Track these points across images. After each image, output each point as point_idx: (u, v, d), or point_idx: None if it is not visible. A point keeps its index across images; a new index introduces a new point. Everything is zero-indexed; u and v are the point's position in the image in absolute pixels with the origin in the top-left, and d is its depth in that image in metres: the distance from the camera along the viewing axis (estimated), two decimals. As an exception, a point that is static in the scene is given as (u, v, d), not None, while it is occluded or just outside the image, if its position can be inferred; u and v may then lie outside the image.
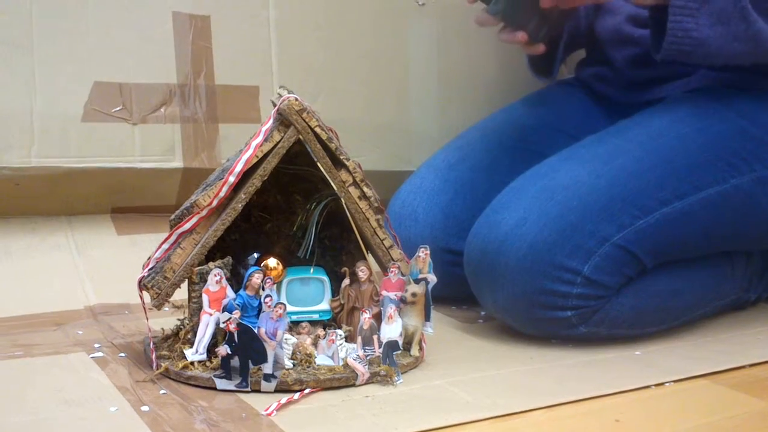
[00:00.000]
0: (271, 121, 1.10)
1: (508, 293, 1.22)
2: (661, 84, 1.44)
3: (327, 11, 1.66)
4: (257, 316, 1.02)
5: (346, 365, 1.06)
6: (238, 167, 1.07)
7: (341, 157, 1.10)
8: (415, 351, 1.13)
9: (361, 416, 0.96)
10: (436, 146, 1.60)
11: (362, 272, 1.14)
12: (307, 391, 1.02)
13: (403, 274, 1.12)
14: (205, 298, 1.05)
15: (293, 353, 1.08)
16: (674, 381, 1.10)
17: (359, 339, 1.09)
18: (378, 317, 1.11)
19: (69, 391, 1.02)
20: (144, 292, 1.09)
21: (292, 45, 1.63)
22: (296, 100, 1.07)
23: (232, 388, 1.01)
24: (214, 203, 1.08)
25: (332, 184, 1.10)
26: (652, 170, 1.26)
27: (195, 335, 1.06)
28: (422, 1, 1.72)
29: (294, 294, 1.14)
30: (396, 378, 1.06)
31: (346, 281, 1.15)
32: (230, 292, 1.05)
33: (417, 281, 1.11)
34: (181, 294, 1.11)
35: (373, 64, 1.72)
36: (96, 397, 1.00)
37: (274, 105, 1.10)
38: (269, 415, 0.95)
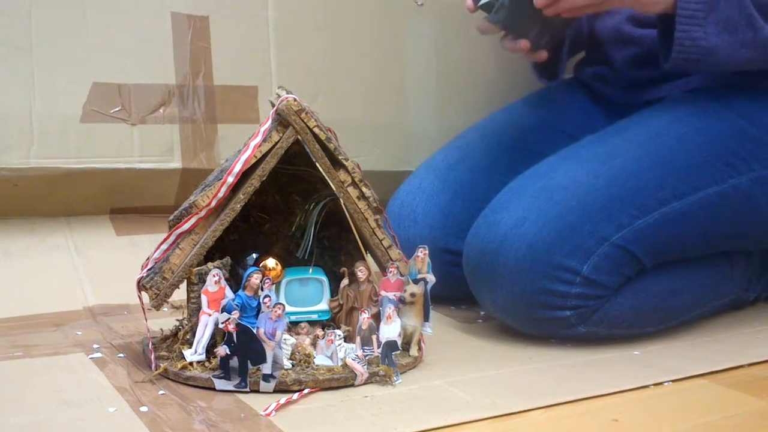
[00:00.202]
0: (269, 121, 1.10)
1: (507, 293, 1.22)
2: (660, 84, 1.44)
3: (326, 12, 1.66)
4: (256, 316, 1.02)
5: (344, 365, 1.06)
6: (237, 168, 1.07)
7: (340, 158, 1.10)
8: (414, 351, 1.13)
9: (360, 416, 0.96)
10: (435, 146, 1.60)
11: (361, 272, 1.14)
12: (306, 391, 1.02)
13: (401, 275, 1.12)
14: (203, 298, 1.05)
15: (292, 353, 1.08)
16: (673, 381, 1.10)
17: (358, 339, 1.09)
18: (377, 317, 1.11)
19: (68, 391, 1.02)
20: (143, 293, 1.09)
21: (290, 45, 1.63)
22: (295, 100, 1.07)
23: (231, 388, 1.01)
24: (213, 204, 1.08)
25: (331, 184, 1.10)
26: (651, 170, 1.26)
27: (194, 336, 1.06)
28: (421, 1, 1.73)
29: (293, 294, 1.14)
30: (395, 378, 1.06)
31: (345, 281, 1.15)
32: (229, 293, 1.05)
33: (416, 281, 1.11)
34: (179, 294, 1.11)
35: (372, 65, 1.72)
36: (95, 398, 1.00)
37: (273, 105, 1.10)
38: (268, 415, 0.95)
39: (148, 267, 1.10)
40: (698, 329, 1.34)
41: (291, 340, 1.08)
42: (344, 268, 1.16)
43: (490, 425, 0.96)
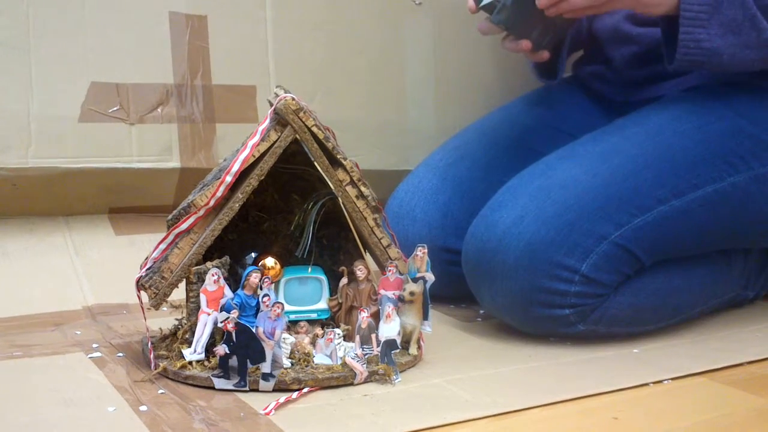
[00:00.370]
0: (268, 120, 1.10)
1: (506, 292, 1.22)
2: (658, 82, 1.44)
3: (324, 11, 1.66)
4: (255, 315, 1.02)
5: (344, 364, 1.06)
6: (235, 167, 1.07)
7: (338, 157, 1.10)
8: (413, 350, 1.13)
9: (360, 415, 0.96)
10: (433, 145, 1.60)
11: (360, 271, 1.14)
12: (305, 390, 1.02)
13: (400, 273, 1.12)
14: (203, 297, 1.05)
15: (291, 352, 1.08)
16: (672, 379, 1.10)
17: (357, 338, 1.09)
18: (376, 316, 1.11)
19: (67, 391, 1.02)
20: (142, 292, 1.09)
21: (289, 44, 1.63)
22: (293, 99, 1.07)
23: (231, 387, 1.01)
24: (212, 203, 1.08)
25: (329, 183, 1.10)
26: (650, 168, 1.26)
27: (193, 335, 1.06)
28: (419, 0, 1.72)
29: (292, 293, 1.14)
30: (394, 377, 1.06)
31: (344, 280, 1.15)
32: (228, 292, 1.05)
33: (415, 280, 1.11)
34: (179, 294, 1.11)
35: (371, 64, 1.72)
36: (94, 397, 1.00)
37: (271, 104, 1.10)
38: (267, 414, 0.95)
39: (147, 266, 1.10)
40: (697, 327, 1.34)
41: (290, 339, 1.08)
42: (343, 267, 1.16)
43: (489, 424, 0.96)
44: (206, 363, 1.05)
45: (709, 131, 1.30)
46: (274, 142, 1.08)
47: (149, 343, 1.10)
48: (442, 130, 1.73)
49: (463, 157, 1.49)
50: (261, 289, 1.05)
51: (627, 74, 1.49)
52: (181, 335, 1.10)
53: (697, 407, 1.02)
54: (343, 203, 1.12)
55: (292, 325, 1.12)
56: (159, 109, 1.54)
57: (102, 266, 1.48)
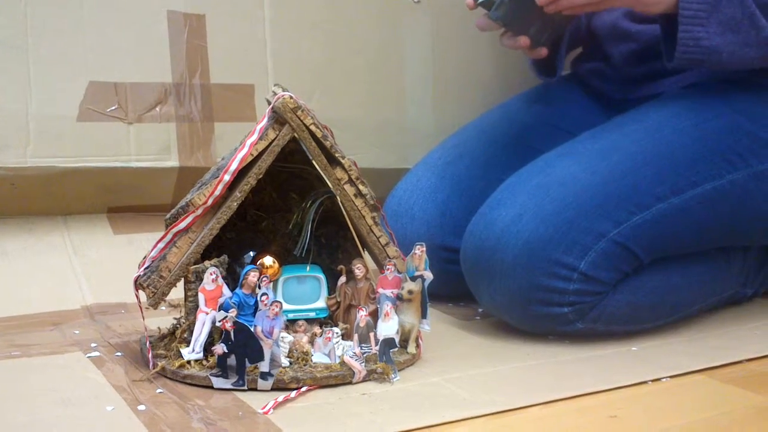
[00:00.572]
0: (266, 119, 1.10)
1: (504, 290, 1.22)
2: (657, 79, 1.44)
3: (322, 9, 1.66)
4: (253, 314, 1.02)
5: (342, 363, 1.06)
6: (233, 166, 1.07)
7: (336, 155, 1.10)
8: (411, 348, 1.13)
9: (358, 414, 0.96)
10: (432, 144, 1.60)
11: (358, 270, 1.14)
12: (303, 389, 1.02)
13: (399, 272, 1.12)
14: (201, 296, 1.05)
15: (290, 351, 1.08)
16: (671, 377, 1.10)
17: (356, 337, 1.09)
18: (374, 315, 1.11)
19: (66, 390, 1.02)
20: (140, 291, 1.09)
21: (287, 43, 1.63)
22: (291, 98, 1.07)
23: (229, 386, 1.01)
24: (210, 202, 1.08)
25: (328, 182, 1.10)
26: (648, 166, 1.26)
27: (191, 334, 1.06)
28: (417, -2, 1.73)
29: (290, 292, 1.14)
30: (393, 375, 1.06)
31: (343, 279, 1.15)
32: (226, 291, 1.05)
33: (413, 278, 1.11)
34: (177, 293, 1.11)
35: (369, 62, 1.72)
36: (93, 397, 1.00)
37: (269, 103, 1.10)
38: (266, 413, 0.95)
39: (146, 265, 1.10)
40: (696, 325, 1.34)
41: (288, 337, 1.08)
42: (342, 266, 1.16)
43: (487, 422, 0.96)
44: (204, 362, 1.05)
45: (708, 128, 1.30)
46: (273, 141, 1.08)
47: (147, 343, 1.10)
48: (440, 129, 1.73)
49: (461, 156, 1.49)
50: (259, 287, 1.05)
51: (626, 71, 1.49)
52: (179, 334, 1.10)
53: (696, 405, 1.02)
54: (341, 202, 1.12)
55: (291, 324, 1.12)
56: (157, 108, 1.53)
57: (100, 265, 1.48)
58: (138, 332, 1.23)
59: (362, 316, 1.09)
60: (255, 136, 1.08)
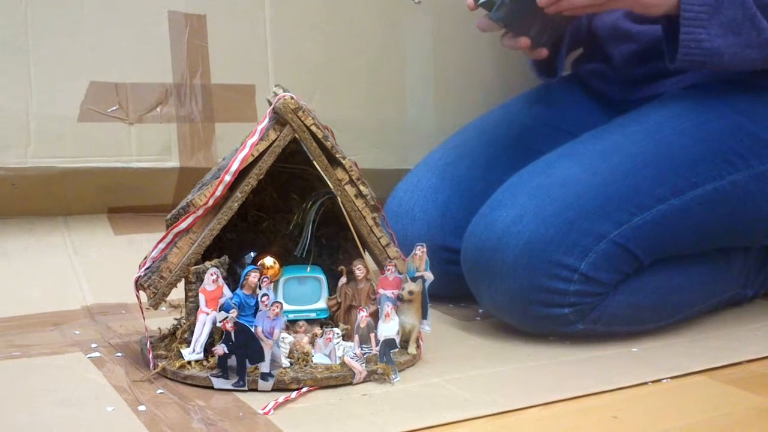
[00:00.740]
0: (266, 119, 1.10)
1: (505, 291, 1.22)
2: (658, 80, 1.44)
3: (323, 10, 1.66)
4: (254, 315, 1.02)
5: (343, 364, 1.06)
6: (234, 166, 1.07)
7: (337, 156, 1.10)
8: (412, 349, 1.13)
9: (359, 415, 0.96)
10: (432, 144, 1.60)
11: (359, 270, 1.14)
12: (304, 389, 1.02)
13: (399, 273, 1.12)
14: (201, 297, 1.05)
15: (290, 352, 1.08)
16: (671, 377, 1.10)
17: (356, 337, 1.09)
18: (375, 315, 1.11)
19: (66, 391, 1.02)
20: (141, 292, 1.09)
21: (288, 44, 1.63)
22: (292, 98, 1.07)
23: (229, 387, 1.01)
24: (211, 202, 1.08)
25: (328, 182, 1.10)
26: (649, 167, 1.26)
27: (192, 334, 1.06)
28: (418, -1, 1.73)
29: (291, 293, 1.14)
30: (393, 376, 1.06)
31: (343, 279, 1.15)
32: (227, 291, 1.05)
33: (414, 279, 1.11)
34: (177, 293, 1.11)
35: (370, 63, 1.72)
36: (93, 397, 1.00)
37: (270, 104, 1.10)
38: (266, 414, 0.95)
39: (146, 266, 1.09)
40: (696, 326, 1.33)
41: (289, 338, 1.08)
42: (342, 267, 1.16)
43: (488, 423, 0.96)
44: (205, 363, 1.05)
45: (709, 129, 1.30)
46: (273, 142, 1.08)
47: (148, 343, 1.10)
48: (441, 129, 1.73)
49: (462, 156, 1.49)
50: (260, 288, 1.05)
51: (626, 72, 1.49)
52: (179, 335, 1.10)
53: (697, 406, 1.02)
54: (342, 202, 1.12)
55: (291, 325, 1.12)
56: (158, 109, 1.53)
57: (101, 266, 1.48)
58: (138, 333, 1.23)
59: (363, 316, 1.09)
60: (256, 137, 1.08)
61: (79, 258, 1.49)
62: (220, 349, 1.00)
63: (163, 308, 1.32)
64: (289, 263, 1.18)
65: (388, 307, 1.08)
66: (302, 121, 1.08)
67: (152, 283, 1.07)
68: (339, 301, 1.15)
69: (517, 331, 1.26)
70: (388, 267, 1.12)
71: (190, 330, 1.07)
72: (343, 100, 1.68)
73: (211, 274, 1.05)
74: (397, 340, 1.09)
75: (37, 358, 1.14)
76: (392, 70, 1.74)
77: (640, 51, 1.45)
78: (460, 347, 1.23)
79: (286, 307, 1.08)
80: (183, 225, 1.08)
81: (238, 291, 1.05)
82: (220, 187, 1.07)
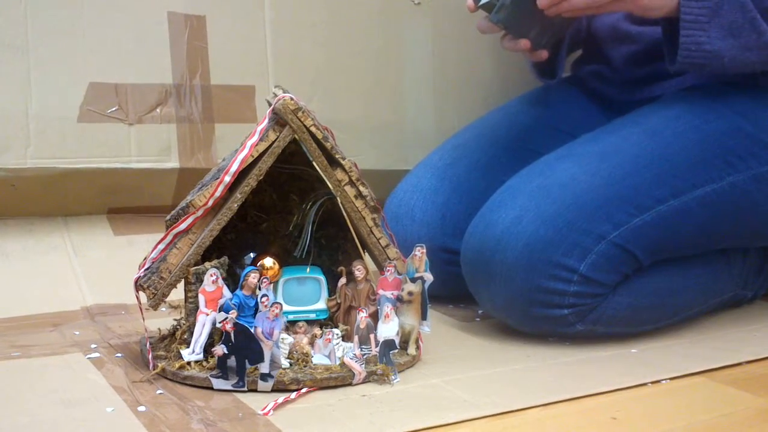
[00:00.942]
0: (266, 120, 1.10)
1: (504, 292, 1.22)
2: (657, 81, 1.44)
3: (323, 11, 1.66)
4: (254, 315, 1.02)
5: (342, 364, 1.06)
6: (234, 167, 1.07)
7: (337, 157, 1.10)
8: (412, 350, 1.13)
9: (358, 415, 0.96)
10: (432, 145, 1.60)
11: (359, 271, 1.14)
12: (303, 390, 1.02)
13: (399, 273, 1.12)
14: (201, 298, 1.05)
15: (290, 353, 1.08)
16: (671, 378, 1.10)
17: (356, 338, 1.09)
18: (375, 316, 1.11)
19: (66, 391, 1.02)
20: (140, 293, 1.09)
21: (287, 45, 1.63)
22: (291, 99, 1.07)
23: (229, 387, 1.01)
24: (210, 203, 1.08)
25: (328, 183, 1.10)
26: (648, 168, 1.26)
27: (191, 335, 1.06)
28: (418, 0, 1.73)
29: (290, 293, 1.14)
30: (393, 377, 1.06)
31: (343, 280, 1.15)
32: (227, 292, 1.05)
33: (413, 280, 1.11)
34: (177, 294, 1.11)
35: (369, 64, 1.72)
36: (93, 398, 1.00)
37: (270, 104, 1.10)
38: (266, 414, 0.95)
39: (146, 267, 1.09)
40: (696, 327, 1.34)
41: (289, 339, 1.08)
42: (342, 267, 1.16)
43: (488, 423, 0.96)
44: (205, 363, 1.05)
45: (708, 131, 1.30)
46: (273, 142, 1.08)
47: (148, 344, 1.10)
48: (440, 130, 1.73)
49: (461, 157, 1.49)
50: (259, 289, 1.05)
51: (626, 73, 1.49)
52: (179, 335, 1.10)
53: (696, 407, 1.02)
54: (341, 203, 1.12)
55: (291, 326, 1.12)
56: (158, 110, 1.54)
57: (101, 267, 1.48)
58: (138, 333, 1.23)
59: (362, 317, 1.09)
60: (255, 138, 1.08)
61: (79, 258, 1.49)
62: (220, 349, 1.00)
63: (163, 309, 1.32)
64: (289, 264, 1.18)
65: (387, 308, 1.08)
66: (302, 122, 1.08)
67: (152, 283, 1.07)
68: (338, 301, 1.15)
69: (516, 332, 1.26)
70: (388, 268, 1.12)
71: (190, 331, 1.07)
72: (342, 101, 1.68)
73: (211, 275, 1.05)
74: (397, 341, 1.09)
75: (37, 359, 1.14)
76: (392, 71, 1.74)
77: (640, 52, 1.45)
78: (459, 348, 1.23)
79: (285, 307, 1.08)
80: (182, 226, 1.08)
81: (237, 292, 1.05)
82: (220, 188, 1.07)
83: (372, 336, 1.09)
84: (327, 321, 1.16)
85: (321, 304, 1.15)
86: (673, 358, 1.19)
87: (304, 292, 1.15)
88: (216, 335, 1.05)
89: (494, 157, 1.49)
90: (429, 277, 1.11)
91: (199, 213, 1.08)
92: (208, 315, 1.04)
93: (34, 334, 1.25)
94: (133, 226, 1.56)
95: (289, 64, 1.63)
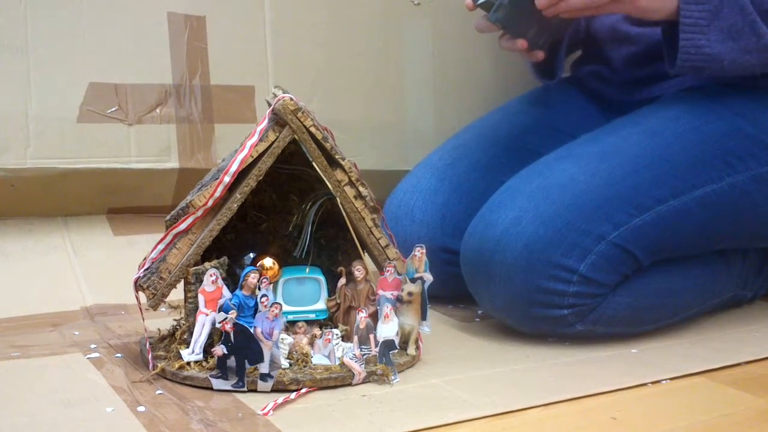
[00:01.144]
0: (266, 121, 1.10)
1: (504, 292, 1.22)
2: (657, 82, 1.44)
3: (322, 11, 1.66)
4: (253, 316, 1.02)
5: (342, 365, 1.06)
6: (234, 167, 1.07)
7: (336, 157, 1.10)
8: (411, 350, 1.13)
9: (358, 416, 0.96)
10: (432, 145, 1.60)
11: (358, 271, 1.14)
12: (303, 390, 1.02)
13: (399, 274, 1.12)
14: (201, 298, 1.05)
15: (289, 353, 1.08)
16: (670, 379, 1.10)
17: (355, 338, 1.09)
18: (374, 316, 1.11)
19: (65, 391, 1.02)
20: (140, 293, 1.09)
21: (287, 45, 1.63)
22: (291, 99, 1.07)
23: (229, 388, 1.01)
24: (210, 203, 1.08)
25: (328, 183, 1.10)
26: (648, 168, 1.26)
27: (191, 335, 1.06)
28: (418, 0, 1.73)
29: (290, 294, 1.14)
30: (392, 377, 1.06)
31: (342, 280, 1.15)
32: (226, 292, 1.05)
33: (413, 280, 1.11)
34: (177, 294, 1.11)
35: (369, 64, 1.72)
36: (92, 398, 1.00)
37: (269, 105, 1.10)
38: (265, 414, 0.95)
39: (145, 267, 1.09)
40: (696, 327, 1.34)
41: (288, 339, 1.08)
42: (341, 268, 1.16)
43: (488, 424, 0.96)
44: (204, 363, 1.05)
45: (708, 131, 1.30)
46: (273, 143, 1.08)
47: (147, 344, 1.10)
48: (440, 131, 1.73)
49: (461, 157, 1.49)
50: (259, 289, 1.05)
51: (626, 74, 1.49)
52: (179, 336, 1.10)
53: (696, 407, 1.02)
54: (341, 203, 1.12)
55: (291, 326, 1.12)
56: (157, 110, 1.54)
57: (100, 267, 1.48)
58: (138, 333, 1.23)
59: (362, 317, 1.09)
60: (255, 138, 1.08)
61: (79, 259, 1.49)
62: (220, 350, 1.00)
63: (163, 309, 1.32)
64: (289, 264, 1.18)
65: (387, 308, 1.08)
66: (301, 122, 1.08)
67: (151, 284, 1.07)
68: (338, 302, 1.15)
69: (516, 332, 1.26)
70: (388, 268, 1.12)
71: (190, 331, 1.07)
72: (342, 102, 1.68)
73: (211, 275, 1.05)
74: (397, 341, 1.09)
75: (37, 359, 1.14)
76: (392, 71, 1.74)
77: (640, 53, 1.45)
78: (459, 348, 1.23)
79: (285, 308, 1.08)
80: (182, 226, 1.08)
81: (237, 292, 1.05)
82: (220, 188, 1.07)
83: (372, 336, 1.09)
84: (327, 321, 1.16)
85: (320, 305, 1.15)
86: (672, 358, 1.19)
87: (303, 293, 1.15)
88: (216, 335, 1.05)
89: (494, 158, 1.49)
90: (429, 278, 1.11)
91: (199, 213, 1.08)
92: (207, 315, 1.04)
93: (34, 335, 1.25)
94: (132, 227, 1.56)
95: (288, 65, 1.63)
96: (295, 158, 1.14)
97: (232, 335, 0.99)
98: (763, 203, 1.31)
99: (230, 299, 1.04)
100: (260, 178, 1.09)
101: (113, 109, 1.51)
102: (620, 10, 1.27)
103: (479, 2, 1.27)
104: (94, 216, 1.56)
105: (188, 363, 1.05)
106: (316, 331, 1.12)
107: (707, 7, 1.22)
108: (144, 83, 1.53)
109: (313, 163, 1.09)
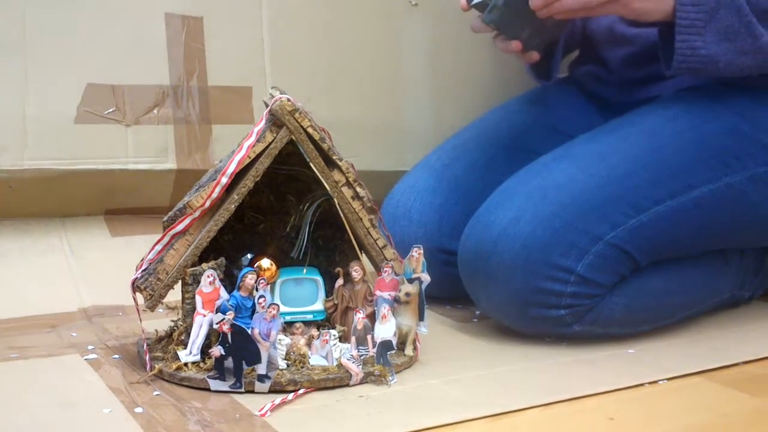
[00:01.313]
0: (263, 121, 1.10)
1: (502, 292, 1.22)
2: (654, 82, 1.44)
3: (320, 12, 1.66)
4: (251, 316, 1.02)
5: (340, 365, 1.06)
6: (231, 168, 1.07)
7: (334, 157, 1.10)
8: (409, 350, 1.13)
9: (356, 416, 0.96)
10: (430, 146, 1.60)
11: (356, 272, 1.13)
12: (301, 391, 1.02)
13: (396, 274, 1.12)
14: (198, 299, 1.05)
15: (287, 354, 1.08)
16: (668, 379, 1.10)
17: (353, 339, 1.09)
18: (372, 317, 1.11)
19: (63, 393, 1.02)
20: (137, 294, 1.09)
21: (284, 46, 1.63)
22: (288, 100, 1.07)
23: (226, 389, 1.01)
24: (207, 204, 1.08)
25: (325, 184, 1.10)
26: (646, 169, 1.26)
27: (188, 336, 1.06)
28: (415, 0, 1.73)
29: (287, 294, 1.14)
30: (390, 378, 1.06)
31: (340, 281, 1.15)
32: (224, 293, 1.05)
33: (411, 281, 1.11)
34: (174, 295, 1.11)
35: (367, 64, 1.71)
36: (90, 399, 1.00)
37: (267, 106, 1.10)
38: (263, 415, 0.95)
39: (143, 268, 1.09)
40: (693, 327, 1.34)
41: (286, 340, 1.08)
42: (339, 268, 1.16)
43: (486, 424, 0.96)
44: (202, 364, 1.05)
45: (705, 131, 1.30)
46: (270, 143, 1.08)
47: (145, 345, 1.10)
48: (438, 131, 1.73)
49: (459, 158, 1.49)
50: (257, 290, 1.05)
51: (623, 75, 1.49)
52: (176, 337, 1.10)
53: (694, 407, 1.02)
54: (338, 204, 1.12)
55: (288, 327, 1.12)
56: (155, 111, 1.53)
57: (98, 268, 1.48)
58: (135, 334, 1.23)
59: (359, 318, 1.09)
60: (252, 139, 1.08)
61: (76, 260, 1.48)
62: (217, 350, 1.00)
63: (160, 310, 1.32)
64: (286, 265, 1.18)
65: (384, 309, 1.08)
66: (299, 123, 1.08)
67: (149, 284, 1.07)
68: (336, 302, 1.15)
69: (514, 333, 1.26)
70: (385, 269, 1.12)
71: (187, 332, 1.07)
72: (339, 102, 1.68)
73: (208, 276, 1.05)
74: (394, 342, 1.09)
75: (34, 360, 1.14)
76: (389, 71, 1.74)
77: (636, 54, 1.45)
78: (457, 349, 1.23)
79: (282, 308, 1.08)
80: (180, 227, 1.08)
81: (234, 293, 1.05)
82: (217, 189, 1.07)
83: (369, 337, 1.09)
84: (324, 322, 1.16)
85: (318, 305, 1.15)
86: (670, 358, 1.19)
87: (301, 293, 1.15)
88: (213, 336, 1.04)
89: (492, 158, 1.49)
90: (426, 278, 1.12)
91: (196, 214, 1.08)
92: (205, 316, 1.04)
93: (31, 335, 1.25)
94: (130, 227, 1.56)
95: (286, 65, 1.63)
96: (292, 159, 1.14)
97: (229, 336, 0.99)
98: (760, 203, 1.31)
99: (228, 300, 1.04)
100: (258, 178, 1.09)
101: (111, 110, 1.50)
102: (614, 12, 1.27)
103: (473, 3, 1.27)
104: (91, 217, 1.56)
105: (186, 364, 1.05)
106: (314, 331, 1.12)
107: (704, 9, 1.22)
108: (141, 84, 1.53)
109: (311, 164, 1.09)
